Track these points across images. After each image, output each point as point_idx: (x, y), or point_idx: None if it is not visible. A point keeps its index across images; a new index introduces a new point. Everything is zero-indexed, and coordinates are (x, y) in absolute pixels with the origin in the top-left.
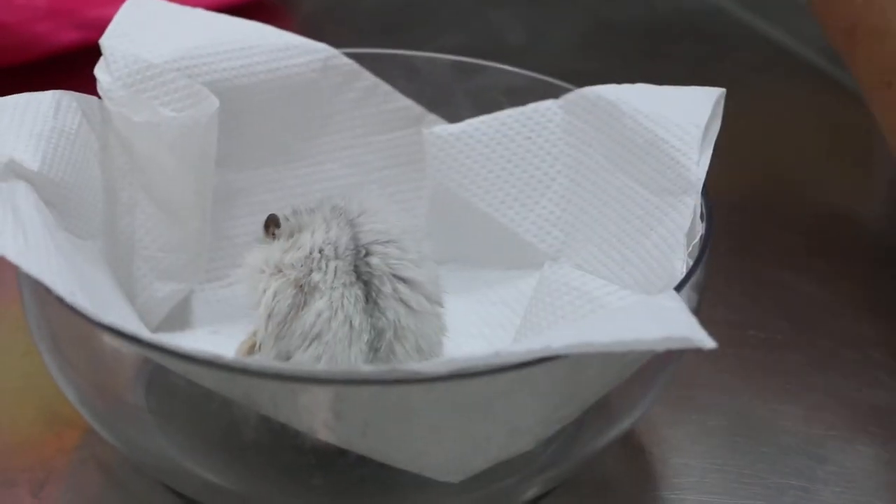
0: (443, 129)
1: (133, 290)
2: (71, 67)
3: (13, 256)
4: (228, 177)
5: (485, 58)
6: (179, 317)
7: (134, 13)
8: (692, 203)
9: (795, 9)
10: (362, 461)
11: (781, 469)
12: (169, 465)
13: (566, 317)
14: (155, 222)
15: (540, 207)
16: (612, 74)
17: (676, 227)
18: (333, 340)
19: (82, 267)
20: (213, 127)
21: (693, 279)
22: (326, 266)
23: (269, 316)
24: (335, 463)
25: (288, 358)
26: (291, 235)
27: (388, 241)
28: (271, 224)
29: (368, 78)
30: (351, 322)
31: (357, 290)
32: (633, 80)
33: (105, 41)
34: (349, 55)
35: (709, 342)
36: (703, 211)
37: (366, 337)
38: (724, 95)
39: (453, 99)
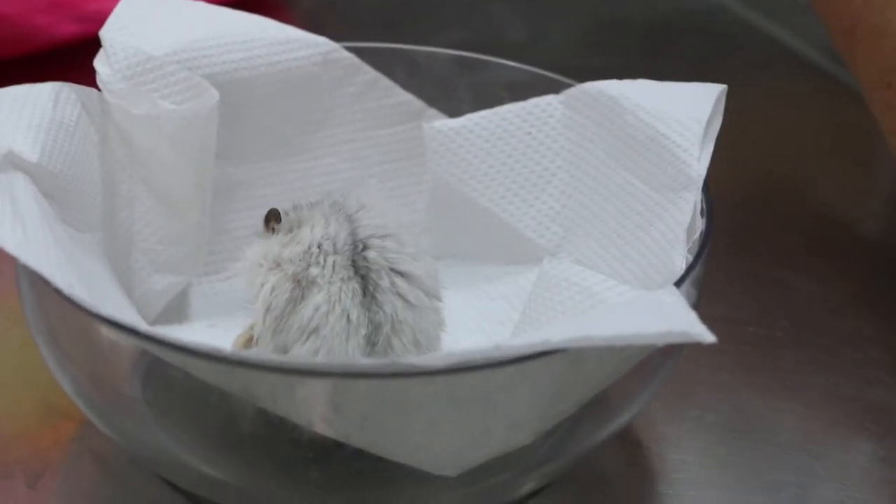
0: (443, 123)
1: (131, 282)
2: (71, 60)
3: (12, 248)
4: (228, 170)
5: (486, 54)
6: (177, 310)
7: (134, 5)
8: (692, 199)
9: (797, 7)
10: (359, 455)
11: (779, 466)
12: (165, 457)
13: (565, 312)
14: (154, 215)
15: (540, 203)
16: (614, 71)
17: (676, 223)
18: (331, 334)
19: (80, 259)
20: (213, 120)
21: (693, 275)
22: (325, 261)
23: (267, 310)
24: (332, 456)
25: (285, 352)
26: (291, 230)
27: (385, 236)
28: (272, 219)
29: (369, 72)
30: (348, 316)
31: (354, 284)
32: (634, 77)
33: (105, 33)
34: (350, 49)
35: (708, 336)
36: (704, 207)
37: (363, 331)
38: (725, 92)
39: (454, 94)
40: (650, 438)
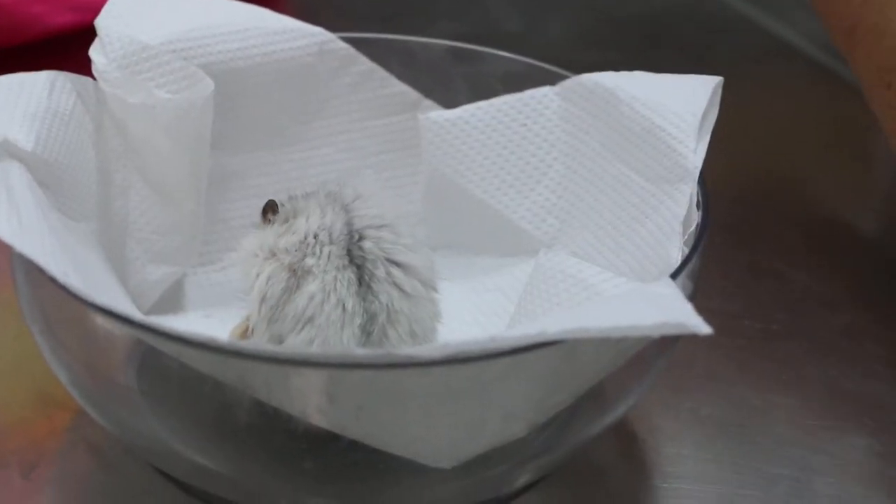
0: (439, 114)
1: (126, 272)
2: (66, 49)
3: (7, 237)
4: (223, 160)
5: (482, 45)
6: (172, 300)
7: None
8: (688, 191)
9: (794, 0)
10: (354, 446)
11: (775, 459)
12: (160, 447)
13: (561, 304)
14: (149, 205)
15: (535, 194)
16: (610, 63)
17: (672, 216)
18: (326, 323)
19: (75, 248)
20: (209, 109)
21: (689, 267)
22: (321, 251)
23: (263, 300)
24: (327, 447)
25: (281, 341)
26: (287, 220)
27: (381, 226)
28: (269, 210)
29: (365, 63)
30: (343, 305)
31: (350, 274)
32: (630, 69)
33: (100, 22)
34: (346, 40)
35: (704, 328)
36: (700, 199)
37: (358, 320)
38: (721, 84)
39: (450, 85)
40: (645, 431)
